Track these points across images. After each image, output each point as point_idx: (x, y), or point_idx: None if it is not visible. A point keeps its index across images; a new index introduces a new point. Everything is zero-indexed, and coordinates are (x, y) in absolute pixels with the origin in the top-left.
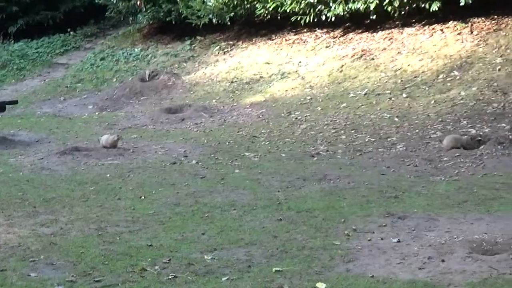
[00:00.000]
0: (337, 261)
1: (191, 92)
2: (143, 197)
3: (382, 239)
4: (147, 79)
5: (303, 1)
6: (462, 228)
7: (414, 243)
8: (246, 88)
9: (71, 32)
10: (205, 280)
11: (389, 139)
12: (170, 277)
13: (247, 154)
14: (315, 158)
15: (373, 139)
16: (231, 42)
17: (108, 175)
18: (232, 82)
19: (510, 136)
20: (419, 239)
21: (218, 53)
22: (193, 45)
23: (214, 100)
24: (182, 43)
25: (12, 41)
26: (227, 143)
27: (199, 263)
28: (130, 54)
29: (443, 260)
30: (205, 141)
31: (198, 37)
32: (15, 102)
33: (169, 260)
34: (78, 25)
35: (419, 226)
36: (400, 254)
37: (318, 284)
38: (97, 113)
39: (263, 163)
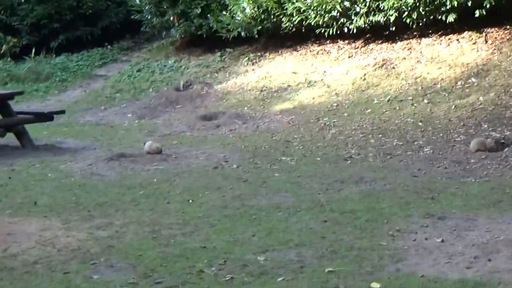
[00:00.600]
0: (386, 261)
1: (224, 100)
2: (191, 201)
3: (426, 239)
4: (182, 88)
5: (326, 15)
6: (502, 228)
7: (457, 243)
8: (275, 96)
9: (109, 46)
10: (261, 281)
11: (415, 143)
12: (227, 278)
13: (283, 158)
14: (349, 162)
15: (401, 143)
16: (259, 54)
17: (155, 180)
18: (261, 90)
19: None
20: (462, 239)
21: (247, 64)
22: (223, 57)
23: (245, 108)
24: (213, 55)
25: (54, 55)
26: (263, 148)
27: (253, 264)
28: (165, 65)
29: (489, 260)
30: (242, 147)
31: (228, 49)
32: (63, 112)
33: (224, 261)
34: (114, 39)
35: (459, 226)
36: (446, 253)
37: (373, 284)
38: (136, 121)
39: (300, 166)
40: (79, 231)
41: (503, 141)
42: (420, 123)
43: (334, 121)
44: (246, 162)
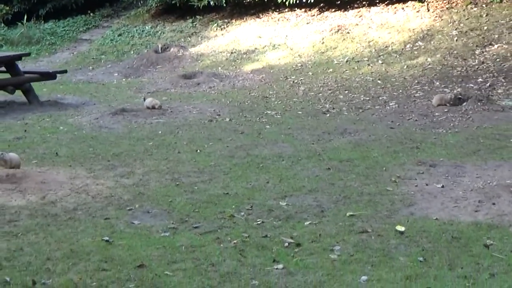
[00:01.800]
0: (398, 205)
1: (199, 61)
2: (198, 151)
3: (427, 185)
4: (160, 51)
5: None
6: (490, 174)
7: (456, 188)
8: (245, 58)
9: (91, 14)
10: (290, 224)
11: (380, 98)
12: (258, 222)
13: (268, 112)
14: (328, 115)
15: (367, 98)
16: (226, 20)
17: (160, 132)
18: (232, 53)
19: (487, 95)
20: (458, 184)
21: (216, 29)
22: (195, 23)
23: (219, 68)
24: (185, 22)
25: (43, 22)
26: (246, 103)
27: (277, 209)
28: (143, 31)
29: (493, 204)
30: (227, 102)
31: (198, 17)
32: (65, 71)
33: (251, 207)
34: (96, 7)
35: (450, 173)
36: (451, 198)
37: (398, 227)
38: (123, 79)
39: (286, 120)
40: (105, 179)
41: (460, 96)
42: (379, 81)
43: (301, 79)
44: (236, 116)
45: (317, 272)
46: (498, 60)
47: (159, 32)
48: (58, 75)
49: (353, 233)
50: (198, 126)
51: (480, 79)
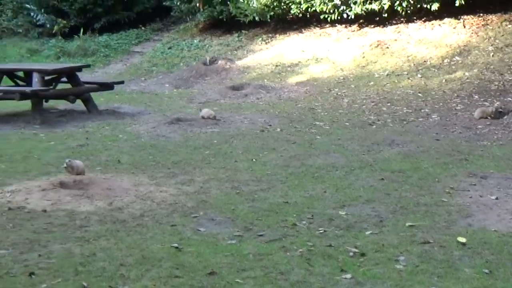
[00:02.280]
0: (455, 217)
1: (245, 74)
2: (254, 160)
3: (481, 196)
4: (208, 63)
5: (330, 3)
6: None
7: (510, 200)
8: (289, 71)
9: (142, 28)
10: (352, 233)
11: (422, 111)
12: (320, 231)
13: (317, 123)
14: (374, 126)
15: (410, 111)
16: (270, 35)
17: (215, 141)
18: (276, 66)
19: None
20: (508, 196)
21: (261, 43)
22: (240, 37)
23: (265, 80)
24: (231, 36)
25: (97, 35)
26: (294, 114)
27: (337, 219)
28: (191, 44)
29: None
30: (276, 113)
31: (244, 31)
32: (122, 82)
33: (311, 216)
34: (147, 22)
35: (502, 185)
36: (506, 210)
37: (459, 239)
38: (174, 90)
39: (335, 130)
40: (168, 186)
41: (500, 110)
42: (419, 94)
43: (344, 92)
44: (286, 126)
45: (385, 283)
46: None
47: (207, 45)
48: (113, 86)
49: (415, 244)
50: (251, 136)
51: None
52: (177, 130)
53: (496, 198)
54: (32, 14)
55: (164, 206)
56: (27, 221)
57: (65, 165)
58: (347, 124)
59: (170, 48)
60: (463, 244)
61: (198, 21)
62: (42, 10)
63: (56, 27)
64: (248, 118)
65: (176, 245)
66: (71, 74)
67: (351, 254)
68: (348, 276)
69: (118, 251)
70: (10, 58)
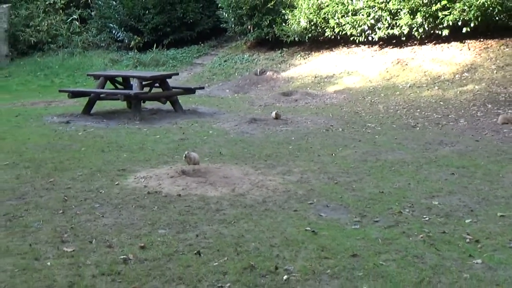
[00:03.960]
0: None
1: (290, 83)
2: (334, 155)
3: None
4: (259, 74)
5: (359, 27)
6: None
7: None
8: (326, 81)
9: (201, 44)
10: (454, 221)
11: (449, 116)
12: (425, 218)
13: (368, 124)
14: (418, 128)
15: (439, 116)
16: (307, 52)
17: (293, 138)
18: (315, 77)
19: None
20: None
21: (300, 59)
22: (282, 54)
23: (308, 88)
24: (275, 52)
25: (166, 49)
26: (345, 117)
27: (434, 208)
28: (243, 58)
29: None
30: (330, 115)
31: (285, 49)
32: (202, 87)
33: (411, 205)
34: (205, 39)
35: None
36: None
37: None
38: (235, 95)
39: (387, 131)
40: (272, 176)
41: None
42: (441, 103)
43: (376, 99)
44: (345, 127)
45: None
46: None
47: (255, 59)
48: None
49: None
50: (321, 134)
51: None
52: (256, 128)
53: None
54: (113, 31)
55: (279, 193)
56: (168, 203)
57: (184, 156)
58: (394, 126)
59: (225, 61)
60: None
61: (247, 39)
62: (122, 29)
63: (132, 42)
64: (309, 120)
65: (309, 228)
66: (163, 80)
67: (467, 240)
68: (479, 261)
69: (262, 233)
70: (96, 66)
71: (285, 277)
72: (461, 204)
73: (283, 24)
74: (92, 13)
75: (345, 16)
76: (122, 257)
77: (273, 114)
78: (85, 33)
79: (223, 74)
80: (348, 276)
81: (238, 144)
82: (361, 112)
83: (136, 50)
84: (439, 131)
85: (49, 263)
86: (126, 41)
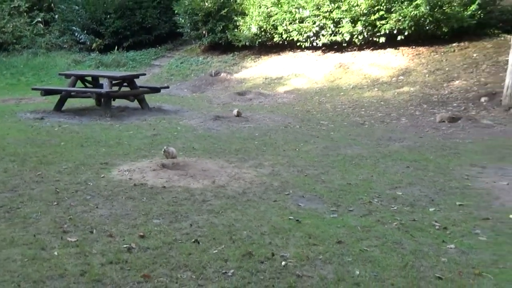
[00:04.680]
0: (487, 198)
1: (243, 83)
2: (297, 149)
3: (494, 182)
4: (213, 75)
5: (305, 34)
6: None
7: None
8: (276, 82)
9: (158, 47)
10: (419, 210)
11: (391, 115)
12: (394, 207)
13: (322, 122)
14: (366, 126)
15: (383, 114)
16: (257, 56)
17: (257, 134)
18: (266, 78)
19: (473, 116)
20: None
21: (251, 61)
22: (234, 57)
23: (260, 89)
24: (227, 55)
25: (126, 51)
26: (299, 115)
27: (399, 198)
28: (198, 60)
29: None
30: (285, 113)
31: (236, 52)
32: (167, 87)
33: (379, 195)
34: (162, 43)
35: (499, 173)
36: None
37: (510, 216)
38: (193, 94)
39: (339, 128)
40: (246, 169)
41: (453, 116)
42: (382, 102)
43: (323, 99)
44: (302, 124)
45: (484, 252)
46: (461, 91)
47: (209, 62)
48: (160, 89)
49: (478, 219)
50: (281, 131)
51: (455, 104)
52: (221, 124)
53: (507, 184)
54: (76, 34)
55: (256, 185)
56: (155, 195)
57: (163, 150)
58: (345, 123)
59: (182, 62)
60: None
61: (201, 43)
62: (84, 31)
63: (94, 44)
64: (267, 117)
65: (292, 217)
66: (131, 80)
67: (437, 227)
68: (452, 246)
69: (250, 222)
70: (59, 66)
71: (283, 263)
72: (422, 195)
73: (235, 30)
74: (55, 16)
75: (293, 23)
76: (125, 246)
77: (235, 112)
78: (48, 34)
79: (180, 75)
80: (339, 261)
81: (208, 140)
82: (312, 110)
83: (97, 52)
84: (386, 128)
85: (56, 253)
86: (88, 43)
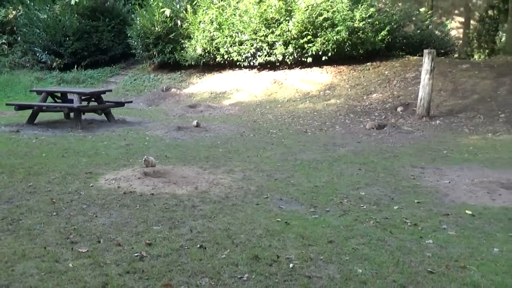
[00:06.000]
0: (438, 195)
1: (192, 98)
2: (259, 155)
3: (437, 181)
4: (165, 90)
5: (243, 55)
6: (462, 174)
7: (460, 183)
8: (220, 96)
9: (113, 66)
10: (385, 208)
11: (326, 123)
12: (363, 206)
13: (271, 130)
14: (309, 133)
15: (318, 123)
16: (202, 73)
17: (219, 142)
18: (211, 93)
19: (395, 123)
20: (455, 181)
21: (196, 78)
22: (181, 74)
23: (208, 102)
24: (175, 73)
25: (84, 70)
26: (248, 124)
27: (364, 198)
28: (150, 77)
29: (500, 194)
30: (236, 123)
31: (183, 71)
32: (131, 101)
33: (346, 196)
34: (116, 62)
35: (437, 173)
36: (464, 190)
37: (467, 211)
38: (149, 107)
39: (288, 136)
40: (220, 174)
41: (380, 123)
42: (315, 113)
43: (264, 110)
44: (254, 133)
45: (458, 245)
46: (380, 102)
47: (160, 79)
48: (124, 104)
49: (440, 215)
50: (239, 139)
51: (376, 113)
52: (185, 134)
53: (449, 182)
54: (37, 54)
55: (235, 190)
56: (146, 202)
57: (143, 159)
58: (291, 132)
59: (135, 79)
60: (473, 215)
61: (151, 63)
62: (46, 52)
63: (54, 63)
64: (222, 127)
65: (279, 219)
66: (99, 96)
67: (409, 224)
68: (430, 241)
69: (243, 226)
70: (23, 83)
71: (290, 265)
72: (382, 194)
73: (182, 51)
74: (18, 38)
75: (233, 46)
76: (136, 254)
77: (194, 122)
78: (11, 55)
79: (135, 90)
80: (339, 260)
81: (177, 148)
82: (258, 120)
83: (58, 70)
84: (326, 135)
85: (70, 265)
86: (49, 62)
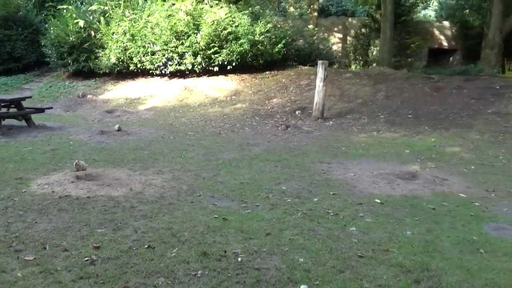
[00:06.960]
0: (348, 187)
1: (107, 103)
2: (182, 156)
3: (344, 174)
4: (81, 96)
5: (156, 64)
6: (363, 167)
7: (363, 175)
8: (135, 102)
9: (27, 73)
10: (306, 201)
11: (236, 125)
12: (287, 200)
13: (188, 133)
14: (223, 135)
15: (229, 125)
16: (116, 81)
17: (142, 145)
18: (126, 99)
19: (296, 124)
20: (358, 174)
21: (111, 85)
22: (96, 82)
23: (124, 107)
24: (90, 80)
25: None
26: (166, 128)
27: (286, 192)
28: (65, 84)
29: (398, 184)
30: (155, 126)
31: (98, 78)
32: (51, 107)
33: (270, 191)
34: (30, 70)
35: (341, 167)
36: (369, 181)
37: (376, 200)
38: (67, 112)
39: (205, 137)
40: (151, 175)
41: (285, 124)
42: (224, 116)
43: (177, 114)
44: (174, 135)
45: (377, 231)
46: (280, 106)
47: (75, 85)
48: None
49: (355, 204)
50: (161, 141)
51: (278, 116)
52: (108, 138)
53: (354, 175)
54: None
55: (169, 189)
56: (84, 205)
57: (74, 164)
58: (207, 134)
59: (50, 86)
60: (381, 203)
61: (66, 71)
62: None
63: None
64: (142, 130)
65: (216, 216)
66: (19, 102)
67: (331, 214)
68: (353, 228)
69: (184, 223)
70: None
71: (239, 259)
72: (301, 188)
73: (96, 60)
74: None
75: (145, 55)
76: (86, 259)
77: (116, 127)
78: None
79: (51, 97)
80: (280, 251)
81: (103, 152)
82: (174, 124)
83: None
84: (239, 136)
85: (19, 274)
86: None
